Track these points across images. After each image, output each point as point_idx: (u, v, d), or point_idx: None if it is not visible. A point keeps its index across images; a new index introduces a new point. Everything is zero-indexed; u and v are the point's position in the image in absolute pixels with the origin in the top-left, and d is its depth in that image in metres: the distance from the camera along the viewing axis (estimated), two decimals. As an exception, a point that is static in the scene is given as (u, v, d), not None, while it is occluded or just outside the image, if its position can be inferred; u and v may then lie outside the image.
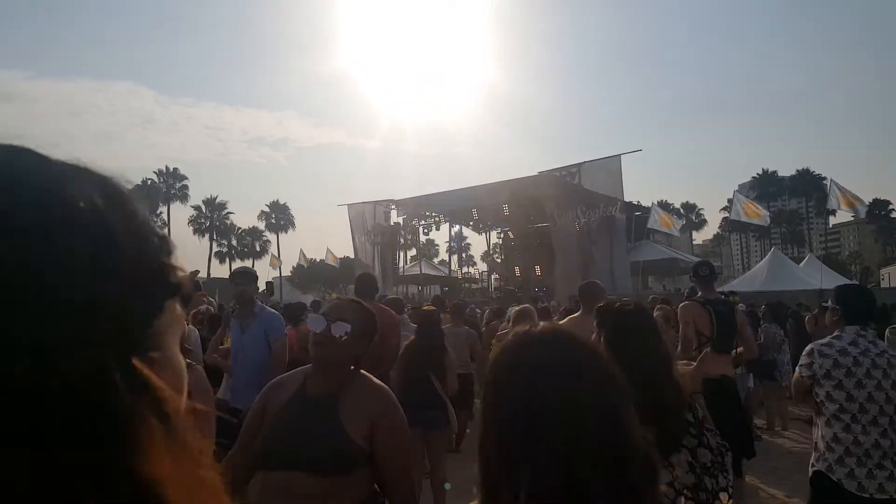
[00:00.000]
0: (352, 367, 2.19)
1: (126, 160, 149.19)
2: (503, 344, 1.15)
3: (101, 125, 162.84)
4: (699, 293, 5.37)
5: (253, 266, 74.52)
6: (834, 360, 3.26)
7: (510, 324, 5.82)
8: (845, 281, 24.91)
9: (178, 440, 0.44)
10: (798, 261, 29.31)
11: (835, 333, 3.43)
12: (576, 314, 5.05)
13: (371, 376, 2.20)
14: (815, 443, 3.40)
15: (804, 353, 3.45)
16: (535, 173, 26.08)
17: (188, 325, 7.01)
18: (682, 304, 5.23)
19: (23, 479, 0.37)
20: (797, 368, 3.48)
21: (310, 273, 50.56)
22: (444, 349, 5.51)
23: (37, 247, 0.40)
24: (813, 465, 3.36)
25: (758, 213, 20.95)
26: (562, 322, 5.07)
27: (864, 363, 3.22)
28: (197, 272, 10.92)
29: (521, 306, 6.12)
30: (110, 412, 0.40)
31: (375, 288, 5.89)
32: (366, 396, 2.09)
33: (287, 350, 5.10)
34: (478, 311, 13.87)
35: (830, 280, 21.38)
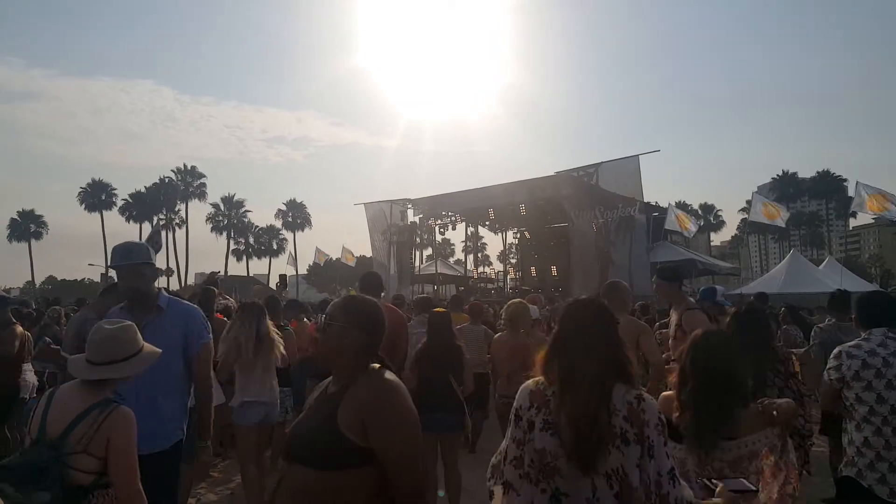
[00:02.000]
0: (371, 365, 2.17)
1: (147, 158, 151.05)
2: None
3: (123, 123, 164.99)
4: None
5: (270, 264, 75.43)
6: (863, 361, 3.23)
7: (503, 322, 5.78)
8: (865, 283, 24.65)
9: None
10: (817, 263, 29.00)
11: (862, 336, 3.40)
12: None
13: (384, 371, 2.17)
14: (845, 448, 3.35)
15: (832, 355, 3.41)
16: (553, 173, 25.99)
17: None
18: (693, 312, 4.95)
19: None
20: (825, 372, 3.42)
21: (326, 271, 50.74)
22: (459, 349, 5.51)
23: None
24: (841, 471, 3.31)
25: (776, 214, 20.74)
26: None
27: (895, 364, 3.18)
28: (217, 272, 10.99)
29: (513, 301, 6.06)
30: None
31: (380, 286, 5.82)
32: (363, 389, 2.06)
33: (210, 363, 3.75)
34: (490, 310, 13.87)
35: (850, 283, 21.12)
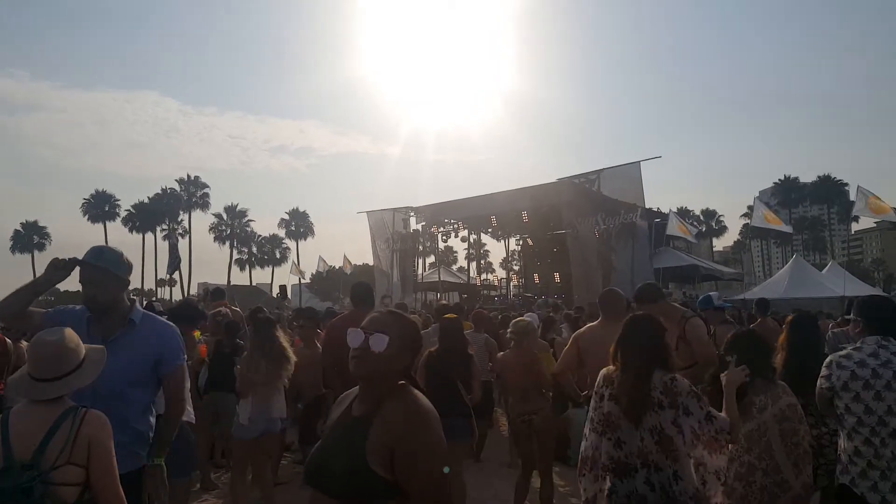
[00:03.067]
0: (399, 383, 2.04)
1: (150, 169, 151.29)
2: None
3: (127, 134, 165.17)
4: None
5: (273, 274, 75.56)
6: (851, 372, 3.21)
7: (511, 336, 5.73)
8: (868, 288, 24.64)
9: None
10: (820, 268, 28.97)
11: (856, 344, 3.38)
12: (595, 322, 4.99)
13: (418, 394, 2.03)
14: (839, 455, 3.36)
15: (824, 364, 3.40)
16: (555, 180, 26.10)
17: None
18: (694, 320, 4.91)
19: None
20: (818, 380, 3.42)
21: (329, 280, 50.83)
22: (470, 357, 5.51)
23: None
24: (838, 478, 3.33)
25: (779, 220, 20.80)
26: (582, 330, 5.08)
27: (885, 375, 3.15)
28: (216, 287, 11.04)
29: (520, 320, 5.97)
30: None
31: (370, 297, 5.81)
32: (395, 416, 1.91)
33: (184, 385, 3.44)
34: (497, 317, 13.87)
35: (853, 287, 21.14)
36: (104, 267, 3.08)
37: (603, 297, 5.00)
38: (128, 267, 3.21)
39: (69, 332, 2.63)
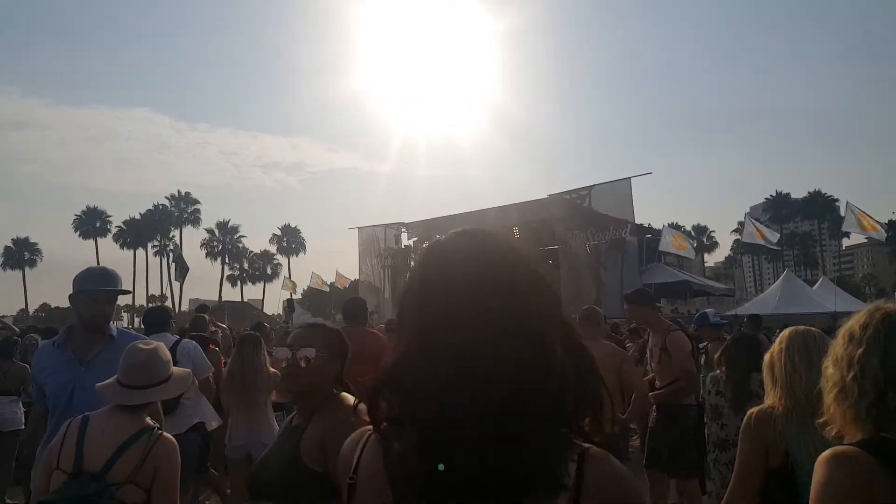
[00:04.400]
0: (334, 391, 2.12)
1: (142, 185, 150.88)
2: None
3: (119, 151, 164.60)
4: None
5: (264, 290, 75.40)
6: None
7: None
8: (859, 303, 24.66)
9: None
10: (811, 283, 29.05)
11: None
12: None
13: (347, 398, 2.07)
14: None
15: None
16: (546, 196, 26.19)
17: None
18: (676, 333, 4.93)
19: None
20: None
21: (321, 295, 50.75)
22: None
23: None
24: None
25: (769, 238, 20.88)
26: None
27: None
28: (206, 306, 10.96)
29: None
30: None
31: (365, 313, 5.80)
32: (326, 418, 2.00)
33: None
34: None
35: (844, 303, 21.16)
36: (115, 287, 3.27)
37: (584, 315, 4.93)
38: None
39: (162, 347, 2.72)
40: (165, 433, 2.52)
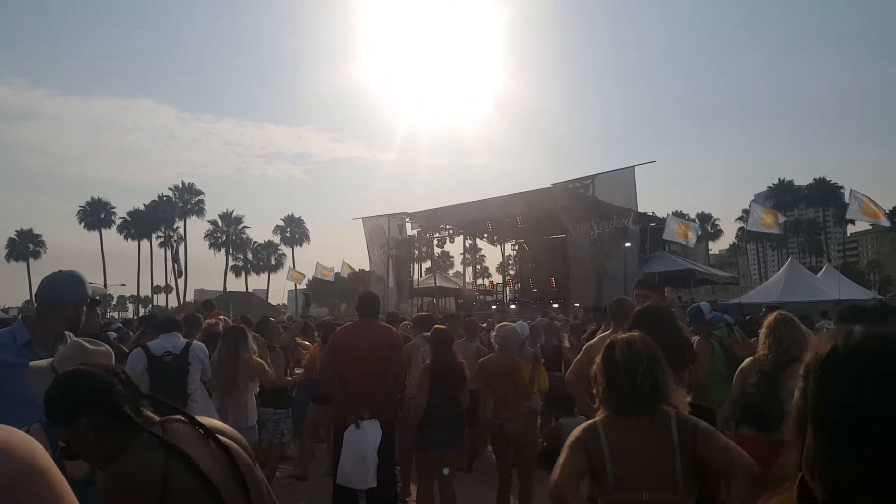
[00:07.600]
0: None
1: (147, 176, 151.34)
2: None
3: (124, 142, 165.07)
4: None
5: (269, 280, 75.43)
6: None
7: (494, 341, 5.80)
8: (864, 291, 24.66)
9: None
10: (815, 270, 28.97)
11: None
12: (607, 331, 4.68)
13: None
14: None
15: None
16: (549, 185, 26.13)
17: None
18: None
19: None
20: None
21: (326, 286, 50.78)
22: (462, 365, 5.50)
23: None
24: None
25: (773, 224, 20.80)
26: (594, 340, 4.88)
27: None
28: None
29: (504, 324, 6.09)
30: None
31: (377, 308, 5.83)
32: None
33: None
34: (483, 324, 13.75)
35: (848, 290, 21.14)
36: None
37: (615, 306, 4.80)
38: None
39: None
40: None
